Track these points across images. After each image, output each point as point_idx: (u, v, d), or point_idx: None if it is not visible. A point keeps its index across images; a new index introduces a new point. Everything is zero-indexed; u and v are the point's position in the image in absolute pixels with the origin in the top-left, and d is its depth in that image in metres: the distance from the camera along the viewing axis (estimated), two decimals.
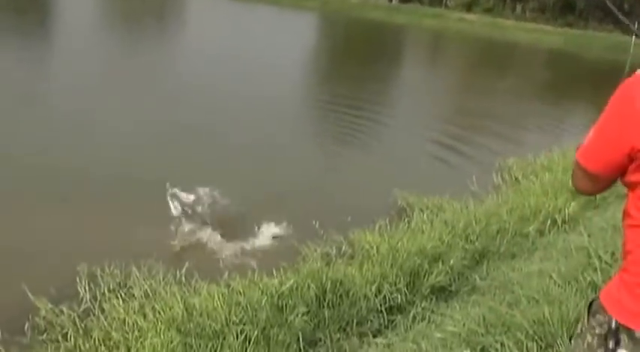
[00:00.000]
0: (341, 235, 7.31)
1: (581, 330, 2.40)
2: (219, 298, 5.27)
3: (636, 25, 2.52)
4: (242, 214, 8.03)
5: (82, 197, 8.18)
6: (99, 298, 5.47)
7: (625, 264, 2.26)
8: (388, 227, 7.48)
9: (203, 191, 8.28)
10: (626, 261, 2.24)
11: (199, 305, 5.18)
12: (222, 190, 8.47)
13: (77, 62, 18.20)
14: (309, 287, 5.54)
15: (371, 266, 6.08)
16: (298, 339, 5.01)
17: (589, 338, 2.33)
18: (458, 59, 38.34)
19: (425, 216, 8.01)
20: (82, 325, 5.05)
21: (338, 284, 5.67)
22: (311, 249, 6.95)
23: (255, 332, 4.86)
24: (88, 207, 7.87)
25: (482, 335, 4.62)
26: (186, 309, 5.13)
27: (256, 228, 7.77)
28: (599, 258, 5.52)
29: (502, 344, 4.40)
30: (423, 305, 5.68)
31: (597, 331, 2.29)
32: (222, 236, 7.47)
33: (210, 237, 7.44)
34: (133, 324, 4.95)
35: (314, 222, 7.82)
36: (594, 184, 2.34)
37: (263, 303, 5.25)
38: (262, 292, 5.43)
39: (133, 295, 5.50)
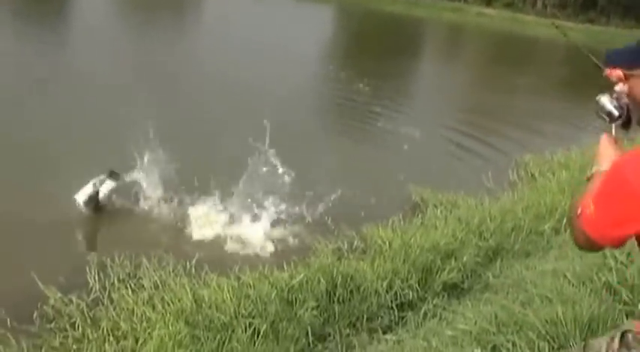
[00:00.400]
0: (353, 230, 7.25)
1: None
2: (228, 291, 5.23)
3: None
4: (253, 207, 7.97)
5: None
6: (108, 288, 5.44)
7: None
8: (401, 222, 7.43)
9: (214, 183, 8.26)
10: None
11: (208, 297, 5.15)
12: (231, 182, 8.44)
13: (94, 50, 18.22)
14: (319, 281, 5.50)
15: (383, 261, 6.02)
16: (307, 334, 4.98)
17: None
18: (476, 54, 38.11)
19: (439, 211, 7.94)
20: (91, 314, 5.02)
21: (349, 279, 5.63)
22: (322, 243, 6.89)
23: (264, 326, 4.84)
24: None
25: (494, 333, 4.55)
26: (195, 301, 5.10)
27: (268, 221, 7.72)
28: (615, 258, 5.43)
29: (514, 344, 4.34)
30: (434, 302, 5.63)
31: None
32: (233, 228, 7.44)
33: (221, 229, 7.40)
34: (142, 315, 4.92)
35: (326, 216, 7.80)
36: (598, 247, 2.35)
37: (272, 297, 5.21)
38: (272, 285, 5.39)
39: (143, 286, 5.47)
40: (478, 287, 6.02)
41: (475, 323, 4.77)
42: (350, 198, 8.89)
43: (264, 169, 9.35)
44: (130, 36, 23.49)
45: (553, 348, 4.27)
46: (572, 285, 5.17)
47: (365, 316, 5.35)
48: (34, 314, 5.08)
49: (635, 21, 66.87)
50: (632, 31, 56.73)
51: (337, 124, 14.49)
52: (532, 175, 10.52)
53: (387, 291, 5.61)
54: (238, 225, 7.57)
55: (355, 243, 6.91)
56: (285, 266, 5.99)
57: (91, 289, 5.44)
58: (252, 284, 5.48)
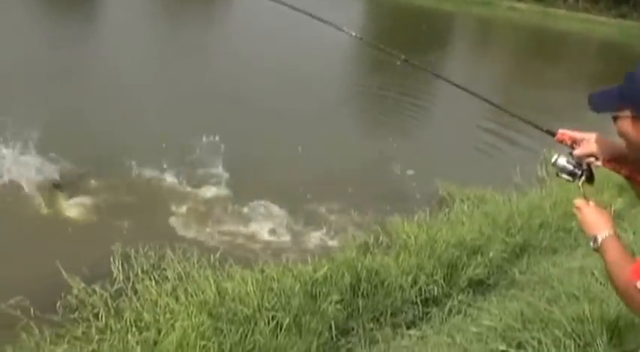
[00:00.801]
0: (379, 224, 7.21)
1: None
2: (252, 283, 5.20)
3: None
4: (279, 200, 7.98)
5: (119, 175, 8.21)
6: (132, 279, 5.44)
7: None
8: (427, 217, 7.36)
9: (241, 176, 8.30)
10: None
11: (232, 289, 5.13)
12: (257, 176, 8.47)
13: (125, 39, 18.33)
14: (343, 275, 5.46)
15: (408, 256, 5.97)
16: (330, 328, 4.95)
17: None
18: (507, 48, 37.78)
19: (465, 207, 7.88)
20: (114, 305, 5.02)
21: (373, 273, 5.59)
22: (348, 237, 6.88)
23: (287, 319, 4.81)
24: (124, 185, 7.89)
25: (519, 330, 4.50)
26: (219, 293, 5.08)
27: (292, 214, 7.72)
28: None
29: (539, 341, 4.28)
30: (459, 297, 5.58)
31: None
32: (258, 221, 7.44)
33: (245, 221, 7.41)
34: (165, 306, 4.91)
35: (352, 210, 7.78)
36: None
37: (296, 290, 5.18)
38: (296, 279, 5.35)
39: (167, 277, 5.46)
40: (504, 283, 5.96)
41: (500, 319, 4.72)
42: (377, 192, 8.90)
43: (290, 160, 9.40)
44: (159, 28, 23.55)
45: (579, 346, 4.21)
46: (600, 283, 5.09)
47: (389, 311, 5.31)
48: (58, 304, 5.10)
49: None
50: None
51: (364, 118, 14.48)
52: None
53: (411, 286, 5.56)
54: (263, 219, 7.56)
55: (381, 237, 6.86)
56: (309, 259, 5.96)
57: (115, 280, 5.44)
58: (275, 277, 5.45)
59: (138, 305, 4.99)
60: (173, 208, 7.53)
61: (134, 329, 4.68)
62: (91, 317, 4.90)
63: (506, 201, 8.11)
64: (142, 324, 4.73)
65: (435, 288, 5.61)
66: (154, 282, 5.32)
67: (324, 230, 7.52)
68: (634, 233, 6.47)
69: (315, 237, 7.37)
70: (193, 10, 28.81)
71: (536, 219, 7.37)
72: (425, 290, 5.57)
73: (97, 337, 4.58)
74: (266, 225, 7.43)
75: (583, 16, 60.39)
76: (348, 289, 5.36)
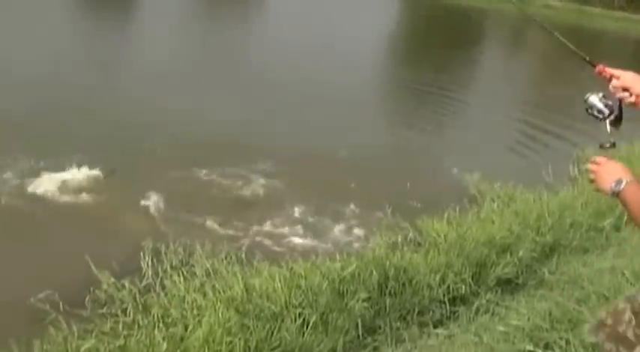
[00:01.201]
0: (408, 221, 7.19)
1: None
2: (279, 280, 5.20)
3: None
4: (308, 196, 8.00)
5: (149, 171, 8.28)
6: (160, 274, 5.49)
7: None
8: (458, 215, 7.32)
9: (261, 171, 8.34)
10: None
11: (259, 286, 5.13)
12: (283, 170, 8.49)
13: (159, 40, 18.48)
14: (371, 273, 5.44)
15: (436, 254, 5.94)
16: (357, 326, 4.94)
17: None
18: (542, 46, 37.41)
19: (495, 205, 7.84)
20: (142, 300, 5.06)
21: (401, 271, 5.56)
22: (377, 234, 6.86)
23: (314, 317, 4.80)
24: (155, 182, 7.95)
25: (547, 330, 4.46)
26: (246, 290, 5.09)
27: (321, 210, 7.73)
28: None
29: (567, 342, 4.24)
30: (487, 296, 5.53)
31: None
32: (286, 217, 7.47)
33: (274, 217, 7.42)
34: (192, 302, 4.93)
35: (383, 207, 7.77)
36: None
37: (324, 287, 5.17)
38: (323, 276, 5.34)
39: (195, 273, 5.50)
40: (533, 283, 5.90)
41: (528, 319, 4.68)
42: (408, 189, 8.87)
43: (321, 157, 9.42)
44: (196, 26, 23.69)
45: None
46: (630, 283, 5.03)
47: (416, 309, 5.28)
48: (87, 299, 5.15)
49: None
50: None
51: (398, 114, 14.46)
52: None
53: (439, 285, 5.52)
54: (292, 216, 7.58)
55: (410, 234, 6.85)
56: (337, 256, 5.96)
57: (144, 275, 5.49)
58: (303, 274, 5.44)
59: (165, 301, 5.03)
60: (203, 205, 7.55)
61: (161, 324, 4.70)
62: (119, 312, 4.94)
63: (536, 199, 8.03)
64: (169, 320, 4.75)
65: (463, 287, 5.57)
66: (182, 278, 5.36)
67: (353, 227, 7.52)
68: None
69: (343, 234, 7.36)
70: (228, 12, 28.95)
71: (567, 219, 7.29)
72: (453, 289, 5.53)
73: (124, 332, 4.61)
74: (295, 221, 7.44)
75: (619, 15, 59.61)
76: (375, 287, 5.34)
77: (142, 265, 5.61)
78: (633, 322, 2.56)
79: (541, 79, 24.66)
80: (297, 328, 4.70)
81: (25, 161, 7.95)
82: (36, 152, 8.19)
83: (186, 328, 4.61)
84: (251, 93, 13.23)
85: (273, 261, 5.78)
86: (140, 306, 4.98)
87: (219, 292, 5.04)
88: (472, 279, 5.70)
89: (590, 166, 2.59)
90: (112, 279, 5.32)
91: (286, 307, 4.90)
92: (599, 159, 2.57)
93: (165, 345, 4.34)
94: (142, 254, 5.79)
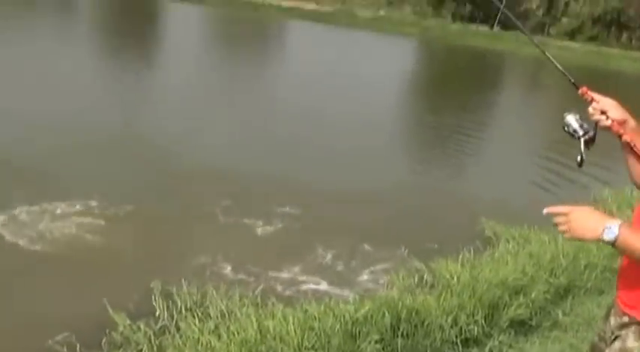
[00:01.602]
0: (423, 263, 7.23)
1: None
2: (293, 322, 5.23)
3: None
4: (324, 236, 8.08)
5: (164, 210, 8.39)
6: (175, 316, 5.54)
7: None
8: (472, 256, 7.36)
9: (280, 211, 8.41)
10: None
11: (273, 328, 5.16)
12: (301, 209, 8.56)
13: (181, 79, 18.76)
14: (384, 315, 5.46)
15: (449, 296, 5.95)
16: None
17: None
18: (559, 87, 37.49)
19: (510, 246, 7.85)
20: (157, 342, 5.11)
21: (414, 313, 5.57)
22: (391, 276, 6.90)
23: None
24: (170, 221, 8.06)
25: None
26: (260, 332, 5.12)
27: (336, 251, 7.79)
28: None
29: None
30: (500, 338, 5.54)
31: None
32: (301, 258, 7.51)
33: (288, 258, 7.47)
34: (207, 344, 4.97)
35: (398, 248, 7.82)
36: None
37: (337, 329, 5.19)
38: (336, 318, 5.36)
39: (209, 315, 5.55)
40: (547, 324, 5.90)
41: None
42: (423, 230, 8.93)
43: (336, 195, 9.51)
44: (215, 64, 24.02)
45: None
46: None
47: (428, 351, 5.30)
48: (103, 341, 5.20)
49: None
50: None
51: (417, 154, 14.62)
52: (610, 211, 10.25)
53: (451, 326, 5.54)
54: (305, 255, 7.62)
55: (425, 276, 6.89)
56: (350, 298, 6.00)
57: (159, 317, 5.54)
58: (317, 316, 5.47)
59: (180, 342, 5.06)
60: (218, 244, 7.62)
61: None
62: None
63: (551, 240, 8.03)
64: None
65: (476, 328, 5.57)
66: (197, 320, 5.40)
67: (368, 268, 7.55)
68: None
69: (358, 276, 7.38)
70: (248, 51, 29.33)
71: (582, 260, 7.29)
72: (465, 330, 5.53)
73: None
74: (309, 262, 7.48)
75: (637, 55, 59.65)
76: (388, 329, 5.35)
77: (157, 306, 5.67)
78: None
79: (557, 120, 24.62)
80: None
81: (37, 202, 8.06)
82: (48, 192, 8.38)
83: None
84: (270, 134, 13.46)
85: (288, 303, 5.83)
86: (155, 348, 5.03)
87: (234, 334, 5.07)
88: (485, 321, 5.70)
89: (557, 220, 2.51)
90: (128, 321, 5.39)
91: (299, 349, 4.93)
92: (563, 208, 2.51)
93: None
94: (156, 295, 5.86)
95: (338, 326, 5.24)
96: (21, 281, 6.37)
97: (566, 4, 76.30)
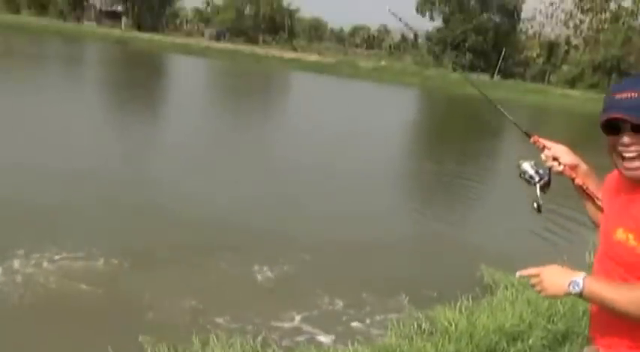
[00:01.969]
0: (421, 310, 7.30)
1: None
2: None
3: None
4: (324, 284, 8.16)
5: (169, 259, 8.49)
6: None
7: None
8: (470, 303, 7.42)
9: (281, 260, 8.52)
10: None
11: None
12: (302, 258, 8.66)
13: (185, 134, 18.99)
14: None
15: (447, 342, 6.02)
16: None
17: None
18: (560, 135, 37.69)
19: (509, 293, 7.90)
20: None
21: None
22: (389, 323, 6.96)
23: None
24: (175, 269, 8.14)
25: None
26: None
27: (336, 298, 7.85)
28: None
29: None
30: None
31: None
32: (301, 305, 7.58)
33: (289, 306, 7.54)
34: None
35: (398, 296, 7.89)
36: None
37: None
38: None
39: None
40: None
41: None
42: (423, 278, 9.00)
43: (334, 245, 9.60)
44: (218, 118, 24.28)
45: None
46: None
47: None
48: None
49: None
50: None
51: (417, 203, 14.67)
52: None
53: None
54: (306, 304, 7.68)
55: (423, 324, 6.94)
56: (350, 346, 6.06)
57: None
58: None
59: None
60: (218, 293, 7.71)
61: None
62: None
63: None
64: None
65: None
66: None
67: (368, 316, 7.60)
68: None
69: (358, 324, 7.43)
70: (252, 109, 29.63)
71: (580, 306, 7.31)
72: None
73: None
74: (309, 310, 7.53)
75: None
76: None
77: None
78: None
79: None
80: None
81: (37, 249, 8.21)
82: (50, 241, 8.53)
83: None
84: (272, 185, 13.63)
85: (287, 350, 5.89)
86: None
87: None
88: None
89: (531, 282, 2.75)
90: None
91: None
92: (533, 270, 2.74)
93: None
94: (157, 344, 5.92)
95: None
96: (25, 330, 6.45)
97: (566, 52, 77.07)
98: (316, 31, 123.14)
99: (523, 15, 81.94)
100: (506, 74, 73.28)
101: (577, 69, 73.18)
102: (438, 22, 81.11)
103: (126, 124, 20.32)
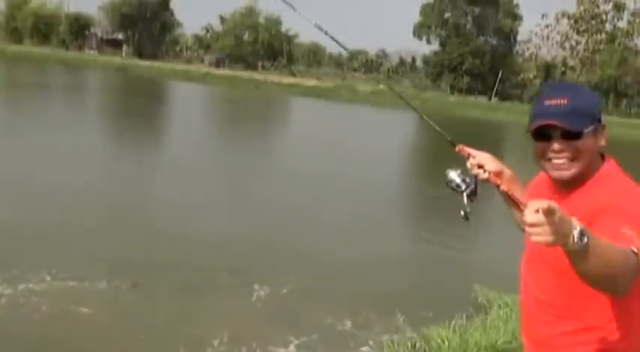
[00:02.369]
0: (417, 330, 7.52)
1: None
2: None
3: None
4: (321, 305, 8.37)
5: (164, 286, 8.70)
6: None
7: None
8: (464, 322, 7.64)
9: (278, 282, 8.73)
10: None
11: None
12: (299, 279, 8.87)
13: (183, 164, 19.24)
14: None
15: None
16: None
17: None
18: None
19: (502, 312, 8.10)
20: None
21: None
22: (386, 343, 7.16)
23: None
24: (170, 296, 8.35)
25: None
26: None
27: (331, 321, 8.04)
28: None
29: None
30: None
31: None
32: (298, 327, 7.75)
33: (285, 328, 7.70)
34: None
35: (394, 316, 8.09)
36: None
37: None
38: None
39: None
40: None
41: None
42: (419, 299, 9.20)
43: (332, 267, 9.80)
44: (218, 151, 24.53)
45: None
46: None
47: None
48: None
49: None
50: None
51: (413, 225, 14.89)
52: None
53: None
54: (302, 326, 7.85)
55: (417, 343, 7.15)
56: None
57: None
58: None
59: None
60: (216, 316, 7.87)
61: None
62: None
63: None
64: None
65: None
66: None
67: (364, 337, 7.76)
68: None
69: (354, 344, 7.62)
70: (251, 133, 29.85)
71: None
72: None
73: None
74: (306, 331, 7.67)
75: (636, 122, 60.29)
76: None
77: None
78: None
79: None
80: None
81: (38, 272, 8.43)
82: (50, 263, 8.75)
83: None
84: (271, 207, 13.84)
85: None
86: None
87: None
88: None
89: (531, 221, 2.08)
90: None
91: None
92: (551, 203, 2.03)
93: None
94: None
95: None
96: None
97: (563, 73, 77.54)
98: (315, 56, 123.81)
99: (519, 37, 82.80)
100: (503, 96, 73.76)
101: None
102: (435, 46, 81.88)
103: (127, 150, 20.58)
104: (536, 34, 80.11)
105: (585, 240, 2.09)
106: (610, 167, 2.72)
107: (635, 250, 2.28)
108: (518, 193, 2.93)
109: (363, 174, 20.11)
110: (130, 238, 10.56)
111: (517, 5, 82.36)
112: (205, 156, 21.38)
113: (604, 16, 76.24)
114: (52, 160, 16.57)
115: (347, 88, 68.40)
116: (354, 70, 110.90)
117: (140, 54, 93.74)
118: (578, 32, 77.31)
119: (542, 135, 2.67)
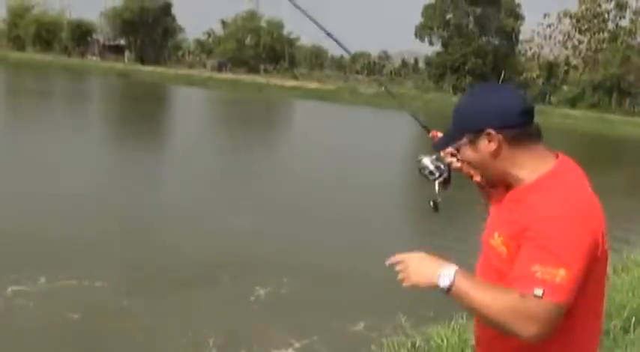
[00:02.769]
0: (417, 329, 7.47)
1: None
2: None
3: None
4: (324, 305, 8.34)
5: (163, 290, 8.64)
6: None
7: None
8: (464, 321, 7.57)
9: (278, 283, 8.66)
10: None
11: None
12: (299, 281, 8.83)
13: (186, 166, 19.21)
14: None
15: None
16: None
17: None
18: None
19: None
20: None
21: None
22: (387, 343, 7.11)
23: None
24: (174, 301, 8.30)
25: None
26: None
27: (334, 322, 8.00)
28: None
29: None
30: None
31: None
32: (297, 328, 7.72)
33: (284, 329, 7.68)
34: None
35: (396, 316, 8.04)
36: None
37: None
38: None
39: None
40: None
41: None
42: (420, 299, 9.11)
43: (336, 268, 9.74)
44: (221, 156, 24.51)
45: None
46: None
47: None
48: None
49: None
50: None
51: (416, 226, 14.83)
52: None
53: None
54: (303, 327, 7.82)
55: (417, 342, 7.10)
56: None
57: None
58: None
59: None
60: (213, 320, 7.85)
61: None
62: None
63: None
64: None
65: None
66: None
67: (366, 337, 7.75)
68: None
69: (357, 344, 7.59)
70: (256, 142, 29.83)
71: None
72: None
73: None
74: (306, 332, 7.66)
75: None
76: None
77: None
78: None
79: None
80: None
81: (38, 278, 8.41)
82: (50, 269, 8.74)
83: None
84: (269, 209, 13.78)
85: None
86: None
87: None
88: None
89: (397, 269, 2.42)
90: None
91: None
92: (400, 256, 2.44)
93: None
94: None
95: None
96: None
97: (566, 72, 77.43)
98: (317, 59, 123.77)
99: (521, 37, 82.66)
100: None
101: (577, 89, 73.51)
102: (437, 47, 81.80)
103: (130, 156, 20.54)
104: (538, 33, 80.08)
105: (446, 283, 2.25)
106: (556, 170, 2.58)
107: (539, 293, 2.14)
108: None
109: (366, 175, 20.11)
110: (129, 238, 10.54)
111: (519, 5, 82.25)
112: (207, 157, 21.39)
113: (606, 15, 76.11)
114: (52, 164, 16.55)
115: (349, 90, 68.36)
116: (357, 72, 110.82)
117: (142, 59, 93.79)
118: (580, 31, 77.18)
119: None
